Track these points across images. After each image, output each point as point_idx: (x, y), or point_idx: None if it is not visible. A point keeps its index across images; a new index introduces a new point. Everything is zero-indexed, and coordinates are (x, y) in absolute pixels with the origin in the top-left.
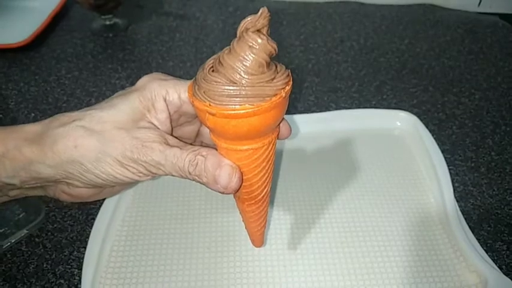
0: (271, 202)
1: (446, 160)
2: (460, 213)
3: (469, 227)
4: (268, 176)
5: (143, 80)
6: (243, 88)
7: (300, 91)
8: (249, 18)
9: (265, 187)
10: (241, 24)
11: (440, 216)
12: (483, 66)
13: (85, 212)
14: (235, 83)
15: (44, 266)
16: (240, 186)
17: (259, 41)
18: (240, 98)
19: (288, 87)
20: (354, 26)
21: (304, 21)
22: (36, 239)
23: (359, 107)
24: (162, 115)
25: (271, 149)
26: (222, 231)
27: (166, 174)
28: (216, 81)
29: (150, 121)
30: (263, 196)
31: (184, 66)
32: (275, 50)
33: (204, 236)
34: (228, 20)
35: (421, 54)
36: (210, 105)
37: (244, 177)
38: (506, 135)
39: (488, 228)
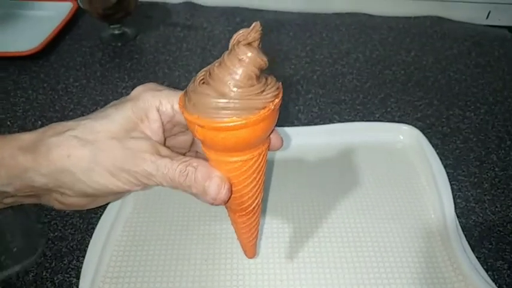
0: (270, 214)
1: (449, 175)
2: (460, 230)
3: (470, 244)
4: (259, 187)
5: (137, 90)
6: (232, 101)
7: (304, 102)
8: (241, 32)
9: (256, 198)
10: (234, 37)
11: (441, 233)
12: (490, 79)
13: (86, 221)
14: (225, 96)
15: (43, 274)
16: (230, 198)
17: (249, 54)
18: (228, 110)
19: (277, 100)
20: (360, 38)
21: (310, 32)
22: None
23: (362, 120)
24: (155, 125)
25: (261, 160)
26: (220, 242)
27: (158, 185)
28: (205, 94)
29: (143, 131)
30: (254, 207)
31: (190, 76)
32: (265, 64)
33: (203, 247)
34: (235, 31)
35: (427, 67)
36: (198, 117)
37: (234, 189)
38: (511, 150)
39: (490, 246)
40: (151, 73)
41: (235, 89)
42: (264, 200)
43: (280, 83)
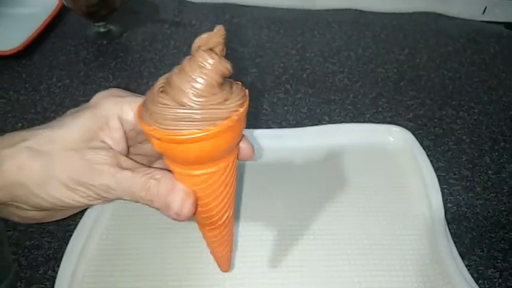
0: (252, 220)
1: (440, 178)
2: (450, 237)
3: (461, 251)
4: (228, 200)
5: (97, 97)
6: (192, 111)
7: (293, 102)
8: (203, 36)
9: (225, 212)
10: (195, 41)
11: (430, 240)
12: (484, 78)
13: (63, 228)
14: (184, 106)
15: (18, 284)
16: (194, 213)
17: (210, 61)
18: (187, 122)
19: (241, 109)
20: (352, 35)
21: (302, 30)
22: (13, 256)
23: (353, 120)
24: (116, 134)
25: (229, 172)
26: (201, 250)
27: (119, 198)
28: (163, 104)
29: (104, 140)
30: (224, 221)
31: None
32: (228, 71)
33: (182, 255)
34: (224, 28)
35: (421, 65)
36: (155, 129)
37: (201, 202)
38: (505, 152)
39: (481, 253)
40: (137, 72)
41: (195, 99)
42: (247, 206)
43: (247, 90)
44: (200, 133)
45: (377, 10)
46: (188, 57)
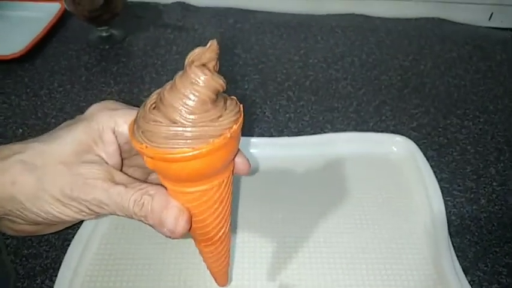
0: (252, 231)
1: (443, 190)
2: (453, 251)
3: (464, 266)
4: (224, 216)
5: (92, 109)
6: (184, 129)
7: (295, 110)
8: (196, 50)
9: (221, 228)
10: (188, 56)
11: (432, 253)
12: (490, 86)
13: (62, 237)
14: (176, 123)
15: None
16: (189, 230)
17: (202, 77)
18: (179, 140)
19: (235, 127)
20: (356, 41)
21: (305, 35)
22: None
23: (355, 129)
24: (110, 148)
25: (223, 189)
26: (200, 262)
27: (112, 214)
28: (154, 121)
29: (98, 154)
30: (220, 237)
31: None
32: (222, 87)
33: (181, 266)
34: (227, 33)
35: (425, 72)
36: (147, 147)
37: (196, 219)
38: (511, 163)
39: (485, 268)
40: (138, 77)
41: (187, 116)
42: (245, 216)
43: (241, 105)
44: (191, 152)
45: (382, 15)
46: (180, 72)
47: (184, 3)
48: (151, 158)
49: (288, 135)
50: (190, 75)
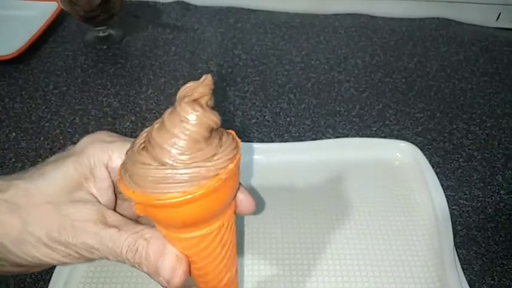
0: (253, 239)
1: (449, 199)
2: (458, 263)
3: (470, 279)
4: (227, 262)
5: (83, 142)
6: (174, 171)
7: (297, 114)
8: (188, 84)
9: (225, 274)
10: (180, 91)
11: (437, 266)
12: (498, 89)
13: None
14: (165, 166)
15: None
16: (185, 280)
17: (193, 114)
18: (169, 183)
19: (231, 165)
20: (360, 42)
21: (307, 35)
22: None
23: (358, 134)
24: (102, 184)
25: (225, 231)
26: None
27: (103, 258)
28: (142, 163)
29: (89, 191)
30: (225, 284)
31: (176, 84)
32: (215, 123)
33: None
34: (227, 33)
35: (431, 75)
36: (134, 192)
37: (195, 266)
38: None
39: (492, 282)
40: (136, 79)
41: (177, 157)
42: (247, 226)
43: (239, 140)
44: (182, 197)
45: (386, 15)
46: (169, 109)
47: (183, 2)
48: (140, 203)
49: (289, 140)
50: (180, 113)
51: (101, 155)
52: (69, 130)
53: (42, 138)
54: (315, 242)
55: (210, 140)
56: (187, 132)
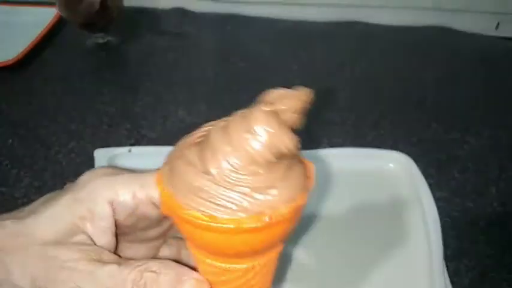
0: None
1: (441, 210)
2: (447, 276)
3: None
4: None
5: (84, 177)
6: (213, 186)
7: None
8: (277, 91)
9: None
10: (266, 94)
11: (426, 279)
12: (494, 99)
13: None
14: (207, 174)
15: None
16: None
17: (263, 129)
18: (200, 198)
19: (283, 210)
20: (357, 50)
21: (304, 43)
22: None
23: (352, 143)
24: (102, 223)
25: (254, 275)
26: None
27: None
28: (187, 160)
29: (84, 231)
30: None
31: (172, 93)
32: (288, 149)
33: None
34: (225, 41)
35: (428, 84)
36: (164, 189)
37: None
38: None
39: None
40: (133, 86)
41: (225, 171)
42: None
43: (313, 179)
44: (205, 221)
45: (383, 23)
46: (242, 111)
47: (182, 9)
48: (165, 203)
49: None
50: (250, 120)
51: (104, 190)
52: (65, 137)
53: (38, 145)
54: (303, 252)
55: (274, 168)
56: (248, 148)
